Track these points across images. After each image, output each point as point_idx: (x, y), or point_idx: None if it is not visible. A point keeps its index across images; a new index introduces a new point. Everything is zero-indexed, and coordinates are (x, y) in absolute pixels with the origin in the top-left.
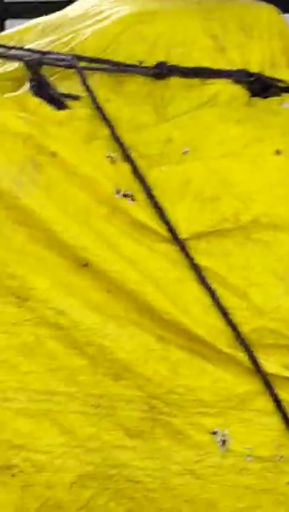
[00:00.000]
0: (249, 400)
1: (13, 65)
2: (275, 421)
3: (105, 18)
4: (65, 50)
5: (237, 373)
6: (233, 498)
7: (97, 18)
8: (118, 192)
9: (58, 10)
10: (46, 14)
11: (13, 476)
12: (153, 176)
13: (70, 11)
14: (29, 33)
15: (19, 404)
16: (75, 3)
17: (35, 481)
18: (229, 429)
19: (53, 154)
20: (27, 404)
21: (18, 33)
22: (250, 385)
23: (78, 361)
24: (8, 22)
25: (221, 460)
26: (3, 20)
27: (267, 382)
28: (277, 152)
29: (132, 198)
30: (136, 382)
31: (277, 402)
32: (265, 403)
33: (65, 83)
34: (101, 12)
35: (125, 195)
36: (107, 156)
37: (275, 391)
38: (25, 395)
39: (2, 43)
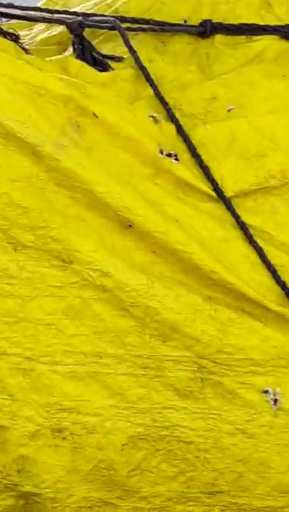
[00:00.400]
0: None
1: (58, 29)
2: None
3: None
4: (109, 11)
5: (287, 331)
6: (287, 457)
7: None
8: (162, 152)
9: None
10: None
11: (63, 438)
12: (198, 135)
13: None
14: None
15: (67, 368)
16: None
17: (86, 443)
18: (280, 388)
19: (95, 115)
20: (75, 367)
21: None
22: None
23: (125, 323)
24: None
25: (273, 419)
26: None
27: None
28: None
29: (176, 157)
30: (184, 342)
31: None
32: None
33: (109, 45)
34: None
35: (169, 155)
36: (150, 116)
37: None
38: (72, 358)
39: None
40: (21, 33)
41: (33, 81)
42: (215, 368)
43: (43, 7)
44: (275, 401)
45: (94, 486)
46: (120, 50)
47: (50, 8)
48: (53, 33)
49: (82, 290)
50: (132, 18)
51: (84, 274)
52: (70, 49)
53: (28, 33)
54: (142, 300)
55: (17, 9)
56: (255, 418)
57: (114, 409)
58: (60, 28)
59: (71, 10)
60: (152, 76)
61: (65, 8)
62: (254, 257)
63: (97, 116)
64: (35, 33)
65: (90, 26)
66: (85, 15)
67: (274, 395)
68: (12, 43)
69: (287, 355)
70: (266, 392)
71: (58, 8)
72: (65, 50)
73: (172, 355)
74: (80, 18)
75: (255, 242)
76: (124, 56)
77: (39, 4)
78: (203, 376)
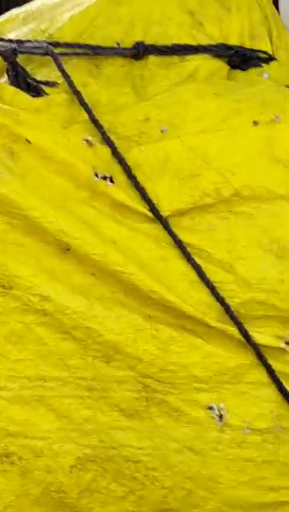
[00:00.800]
0: (243, 373)
1: None
2: (270, 392)
3: (83, 2)
4: (43, 37)
5: (229, 347)
6: (235, 472)
7: (76, 2)
8: (97, 175)
9: None
10: None
11: (11, 463)
12: (132, 156)
13: None
14: (10, 23)
15: (12, 392)
16: None
17: (34, 467)
18: (225, 404)
19: (28, 141)
20: (20, 391)
21: (0, 25)
22: (243, 358)
23: (67, 345)
24: None
25: (220, 434)
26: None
27: (259, 353)
28: (255, 123)
29: (111, 179)
30: (127, 362)
31: (271, 373)
32: (259, 375)
33: (44, 70)
34: None
35: (104, 178)
36: (84, 140)
37: (268, 362)
38: (17, 383)
39: None
40: None
41: None
42: (159, 387)
43: None
44: (221, 417)
45: (44, 509)
46: (55, 75)
47: None
48: None
49: (24, 315)
50: (66, 43)
51: (24, 299)
52: (5, 76)
53: None
54: (82, 322)
55: None
56: (201, 435)
57: (62, 431)
58: None
59: (7, 37)
60: (86, 100)
61: (1, 36)
62: (192, 275)
63: (30, 142)
64: None
65: (23, 53)
66: (19, 42)
67: (219, 411)
68: None
69: (229, 370)
70: (211, 408)
71: None
72: (0, 77)
73: (116, 375)
74: (14, 45)
75: (193, 260)
76: (59, 81)
77: None
78: (147, 395)
